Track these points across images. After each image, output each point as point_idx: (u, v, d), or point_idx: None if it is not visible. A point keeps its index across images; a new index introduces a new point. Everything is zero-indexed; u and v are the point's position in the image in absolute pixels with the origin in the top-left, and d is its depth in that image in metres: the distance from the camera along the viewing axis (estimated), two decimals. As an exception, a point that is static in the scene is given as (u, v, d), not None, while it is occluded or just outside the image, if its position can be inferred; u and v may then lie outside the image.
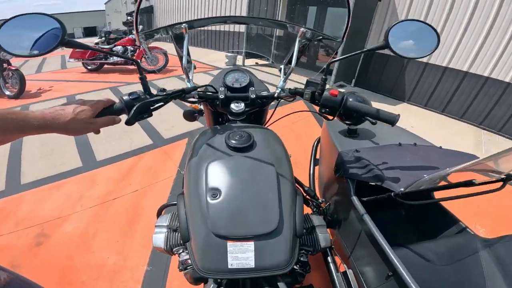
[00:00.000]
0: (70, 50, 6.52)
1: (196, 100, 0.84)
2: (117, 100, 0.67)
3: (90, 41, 8.19)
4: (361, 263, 0.95)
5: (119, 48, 6.02)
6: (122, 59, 6.01)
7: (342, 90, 1.11)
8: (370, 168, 0.93)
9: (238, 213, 0.59)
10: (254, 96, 0.84)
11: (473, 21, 3.78)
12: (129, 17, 6.85)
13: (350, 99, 0.74)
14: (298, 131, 3.30)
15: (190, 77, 0.87)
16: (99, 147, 2.91)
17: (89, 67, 6.44)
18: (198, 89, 0.81)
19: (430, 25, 0.71)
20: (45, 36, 0.54)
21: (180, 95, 0.74)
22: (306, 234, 0.75)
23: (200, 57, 8.60)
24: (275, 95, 0.85)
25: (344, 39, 0.92)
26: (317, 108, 0.81)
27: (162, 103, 0.69)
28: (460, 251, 0.83)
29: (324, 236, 0.74)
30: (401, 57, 0.71)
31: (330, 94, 0.73)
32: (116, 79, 5.85)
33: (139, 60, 0.67)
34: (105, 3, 30.86)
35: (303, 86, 0.81)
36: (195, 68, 1.02)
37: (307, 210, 0.97)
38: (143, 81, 0.69)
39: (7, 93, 4.62)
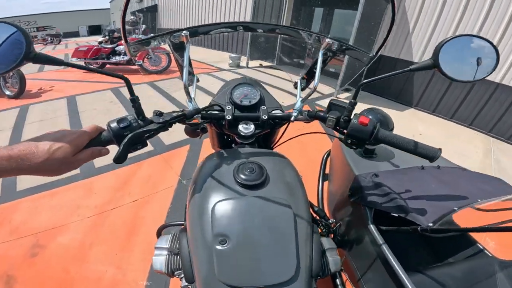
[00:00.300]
0: (73, 48, 6.50)
1: (200, 122, 0.72)
2: (104, 127, 0.56)
3: (94, 39, 8.15)
4: (372, 286, 0.88)
5: (121, 48, 5.96)
6: (124, 58, 5.96)
7: (369, 111, 1.00)
8: (391, 197, 0.84)
9: (251, 263, 0.52)
10: (266, 117, 0.73)
11: (486, 23, 3.66)
12: (132, 17, 6.77)
13: (382, 129, 0.64)
14: (305, 141, 3.20)
15: (192, 96, 0.75)
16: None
17: (91, 67, 6.39)
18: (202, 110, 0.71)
19: (488, 41, 0.59)
20: (3, 49, 0.42)
21: (181, 119, 0.62)
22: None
23: (203, 57, 8.52)
24: (292, 118, 0.73)
25: (379, 53, 0.80)
26: (335, 132, 0.71)
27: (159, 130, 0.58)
28: (478, 275, 0.77)
29: (334, 260, 0.68)
30: (452, 80, 0.61)
31: (360, 123, 0.62)
32: (118, 79, 5.71)
33: (127, 78, 0.56)
34: (110, 2, 30.96)
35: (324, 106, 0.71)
36: (198, 81, 0.92)
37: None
38: (135, 103, 0.57)
39: (7, 92, 4.58)
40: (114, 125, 0.54)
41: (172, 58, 5.94)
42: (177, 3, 12.46)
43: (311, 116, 0.72)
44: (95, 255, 1.66)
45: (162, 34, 0.81)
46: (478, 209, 0.75)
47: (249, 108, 0.77)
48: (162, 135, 3.09)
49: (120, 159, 0.51)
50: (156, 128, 0.56)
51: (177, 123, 0.62)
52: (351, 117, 0.65)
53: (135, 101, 0.57)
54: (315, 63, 0.81)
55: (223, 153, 0.71)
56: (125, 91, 4.92)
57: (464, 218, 0.73)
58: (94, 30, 32.60)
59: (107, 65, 6.32)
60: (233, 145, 0.86)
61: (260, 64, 7.33)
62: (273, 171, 0.63)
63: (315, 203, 1.05)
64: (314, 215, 0.93)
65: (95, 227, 1.86)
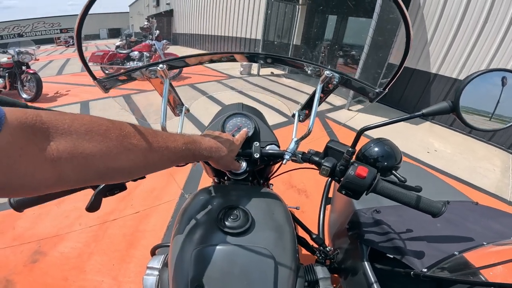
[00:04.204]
0: (90, 53, 6.71)
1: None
2: None
3: (112, 42, 8.40)
4: None
5: (135, 54, 6.10)
6: (138, 64, 6.09)
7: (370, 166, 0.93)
8: (390, 236, 0.79)
9: None
10: (258, 155, 0.70)
11: (509, 34, 3.48)
12: (146, 22, 6.93)
13: (383, 180, 0.57)
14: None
15: (179, 131, 0.72)
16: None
17: (106, 72, 6.57)
18: None
19: None
20: None
21: None
22: (307, 286, 0.67)
23: (213, 64, 8.56)
24: (283, 161, 0.69)
25: (387, 89, 0.72)
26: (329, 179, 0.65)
27: None
28: None
29: None
30: (472, 128, 0.53)
31: (357, 175, 0.56)
32: (130, 86, 5.81)
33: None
34: (129, 5, 32.04)
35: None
36: (187, 111, 0.88)
37: (312, 258, 0.90)
38: None
39: (24, 96, 4.74)
40: None
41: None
42: (192, 9, 12.71)
43: (305, 160, 0.67)
44: (93, 265, 1.68)
45: (136, 68, 0.76)
46: (487, 252, 0.68)
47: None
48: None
49: (92, 208, 0.51)
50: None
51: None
52: (348, 166, 0.59)
53: None
54: (314, 93, 0.75)
55: (211, 192, 0.68)
56: (136, 98, 5.02)
57: (465, 262, 0.67)
58: (114, 33, 33.78)
59: (122, 70, 6.46)
60: (225, 178, 0.81)
61: (272, 72, 7.29)
62: (259, 216, 0.60)
63: (316, 228, 1.02)
64: (312, 243, 0.90)
65: (96, 237, 1.87)
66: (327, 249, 0.94)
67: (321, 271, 0.69)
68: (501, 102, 0.49)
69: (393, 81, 0.70)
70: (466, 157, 3.39)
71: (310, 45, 7.21)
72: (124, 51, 6.23)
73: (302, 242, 0.88)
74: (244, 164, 0.70)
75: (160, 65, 0.72)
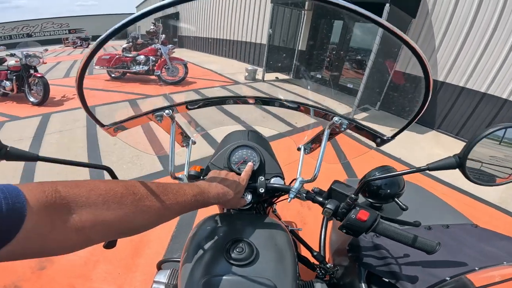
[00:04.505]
0: (96, 56, 6.77)
1: None
2: None
3: (120, 44, 8.47)
4: None
5: (141, 58, 6.14)
6: (143, 68, 6.14)
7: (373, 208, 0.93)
8: (387, 261, 0.81)
9: None
10: (263, 190, 0.72)
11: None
12: (152, 26, 6.97)
13: (383, 221, 0.60)
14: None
15: (186, 165, 0.75)
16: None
17: (112, 75, 6.63)
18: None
19: None
20: None
21: None
22: None
23: (218, 68, 8.52)
24: (288, 199, 0.72)
25: (396, 137, 0.74)
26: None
27: None
28: None
29: None
30: (476, 184, 0.53)
31: (358, 218, 0.59)
32: (136, 90, 5.92)
33: (111, 169, 0.60)
34: (136, 7, 32.40)
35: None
36: (194, 143, 0.90)
37: (313, 273, 0.93)
38: None
39: (32, 99, 4.76)
40: None
41: (189, 67, 6.01)
42: (198, 12, 12.79)
43: (309, 199, 0.70)
44: (99, 273, 1.69)
45: (142, 114, 0.77)
46: (478, 277, 0.70)
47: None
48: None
49: (110, 246, 0.56)
50: None
51: None
52: (350, 209, 0.62)
53: None
54: (322, 133, 0.76)
55: (217, 221, 0.71)
56: (141, 103, 5.04)
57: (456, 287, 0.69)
58: (122, 35, 34.04)
59: (128, 74, 6.54)
60: None
61: (277, 77, 7.28)
62: (263, 247, 0.64)
63: (317, 243, 1.05)
64: (313, 260, 0.94)
65: (101, 246, 1.86)
66: (328, 266, 0.97)
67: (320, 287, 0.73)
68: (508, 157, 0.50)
69: (402, 132, 0.72)
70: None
71: (315, 50, 7.20)
72: (130, 55, 6.28)
73: (303, 260, 0.92)
74: (249, 197, 0.72)
75: (166, 111, 0.76)
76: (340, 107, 5.18)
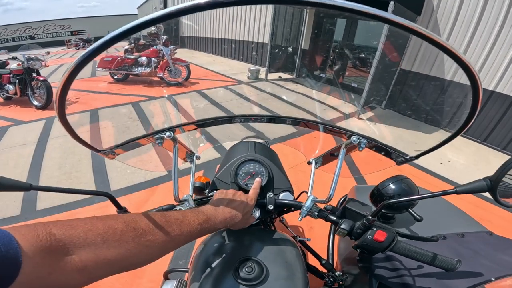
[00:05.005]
0: (99, 58, 6.76)
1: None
2: None
3: (122, 45, 8.43)
4: None
5: (143, 59, 6.12)
6: (145, 70, 6.11)
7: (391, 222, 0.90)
8: (400, 273, 0.78)
9: None
10: (272, 207, 0.68)
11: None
12: (153, 28, 6.89)
13: (401, 240, 0.57)
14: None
15: (190, 182, 0.73)
16: (113, 174, 2.88)
17: (115, 77, 6.62)
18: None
19: None
20: None
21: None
22: None
23: (221, 69, 8.49)
24: (299, 218, 0.68)
25: (420, 157, 0.70)
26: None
27: None
28: None
29: None
30: (507, 207, 0.51)
31: (375, 239, 0.55)
32: (139, 92, 5.89)
33: (112, 195, 0.64)
34: (137, 7, 32.41)
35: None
36: (198, 158, 0.87)
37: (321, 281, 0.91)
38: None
39: (35, 103, 4.76)
40: None
41: (192, 68, 5.96)
42: (200, 12, 12.73)
43: (321, 217, 0.66)
44: (107, 279, 1.67)
45: (143, 136, 0.75)
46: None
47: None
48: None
49: None
50: None
51: None
52: (367, 229, 0.58)
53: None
54: (336, 149, 0.72)
55: (225, 238, 0.69)
56: (144, 106, 5.01)
57: None
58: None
59: (130, 76, 6.52)
60: None
61: (280, 77, 7.21)
62: (273, 266, 0.62)
63: (325, 250, 1.04)
64: (321, 268, 0.92)
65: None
66: (336, 274, 0.95)
67: None
68: None
69: (432, 151, 0.68)
70: (481, 168, 3.30)
71: (319, 49, 7.12)
72: (132, 57, 6.25)
73: (312, 270, 0.90)
74: (257, 214, 0.70)
75: (167, 133, 0.73)
76: (345, 106, 5.12)
